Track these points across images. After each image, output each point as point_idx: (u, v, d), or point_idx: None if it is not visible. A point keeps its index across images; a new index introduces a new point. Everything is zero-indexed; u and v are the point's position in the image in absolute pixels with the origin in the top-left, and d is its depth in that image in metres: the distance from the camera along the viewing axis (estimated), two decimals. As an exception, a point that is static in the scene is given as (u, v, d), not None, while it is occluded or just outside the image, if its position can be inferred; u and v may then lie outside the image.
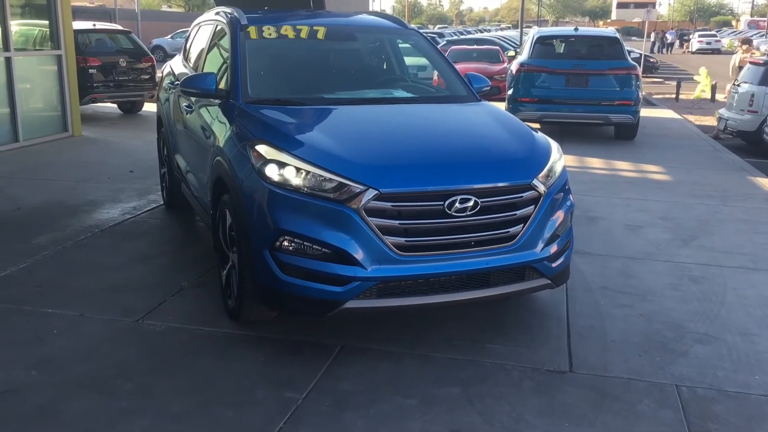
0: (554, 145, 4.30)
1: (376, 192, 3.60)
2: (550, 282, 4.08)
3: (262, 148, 3.87)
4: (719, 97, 18.72)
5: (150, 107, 14.22)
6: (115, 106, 14.15)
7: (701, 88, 20.18)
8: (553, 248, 4.05)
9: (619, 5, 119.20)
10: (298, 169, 3.71)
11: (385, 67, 5.70)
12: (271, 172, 3.75)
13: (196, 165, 5.19)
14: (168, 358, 3.86)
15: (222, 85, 4.71)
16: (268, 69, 4.97)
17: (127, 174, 8.34)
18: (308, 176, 3.68)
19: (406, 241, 3.66)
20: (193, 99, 5.23)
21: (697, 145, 11.64)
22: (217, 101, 4.71)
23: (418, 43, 5.51)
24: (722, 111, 12.61)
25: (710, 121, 15.39)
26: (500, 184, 3.83)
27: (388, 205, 3.63)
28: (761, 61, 12.09)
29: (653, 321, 4.45)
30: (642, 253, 5.77)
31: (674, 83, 21.02)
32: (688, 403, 3.50)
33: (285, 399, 3.46)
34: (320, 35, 5.13)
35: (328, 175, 3.66)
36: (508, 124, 4.42)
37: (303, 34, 5.11)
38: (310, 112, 4.39)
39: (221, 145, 4.37)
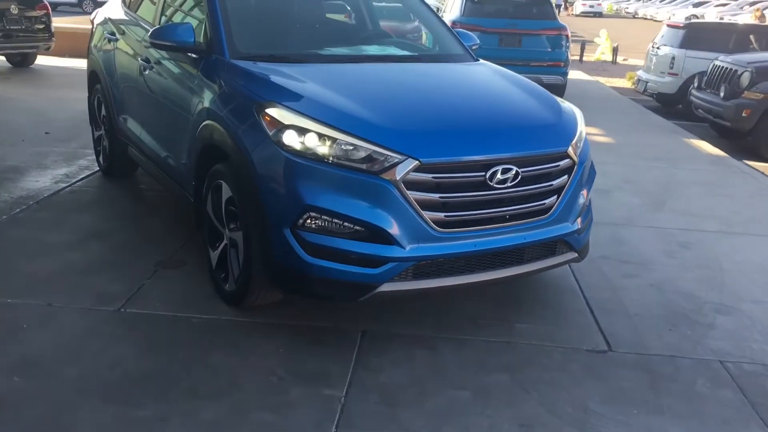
0: (577, 111, 4.04)
1: (417, 162, 3.21)
2: (577, 255, 3.86)
3: (276, 112, 3.37)
4: (622, 59, 19.23)
5: (44, 60, 12.99)
6: (2, 58, 12.75)
7: (602, 50, 20.66)
8: (582, 220, 3.82)
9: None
10: (323, 136, 3.25)
11: (369, 21, 5.22)
12: (291, 139, 3.27)
13: (164, 127, 4.58)
14: (172, 353, 3.35)
15: (200, 39, 4.12)
16: (253, 21, 4.40)
17: (42, 136, 7.44)
18: (337, 144, 3.23)
19: (445, 216, 3.31)
20: (155, 54, 4.60)
21: (621, 107, 11.82)
22: (193, 56, 4.13)
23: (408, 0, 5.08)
24: (641, 73, 12.86)
25: (620, 82, 15.77)
26: (540, 152, 3.54)
27: (428, 176, 3.25)
28: (681, 24, 12.37)
29: (665, 291, 4.34)
30: (622, 219, 5.68)
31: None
32: (740, 380, 3.38)
33: (326, 398, 3.06)
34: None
35: (360, 143, 3.23)
36: (529, 88, 4.11)
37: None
38: (315, 71, 3.90)
39: (210, 107, 3.82)
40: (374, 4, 5.27)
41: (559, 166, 3.60)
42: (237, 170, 3.54)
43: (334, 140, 3.24)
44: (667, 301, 4.20)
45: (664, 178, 7.05)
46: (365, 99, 3.53)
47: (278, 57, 4.03)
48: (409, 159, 3.20)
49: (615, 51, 19.79)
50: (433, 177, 3.26)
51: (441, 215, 3.29)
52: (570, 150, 3.65)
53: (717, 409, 3.14)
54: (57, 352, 3.31)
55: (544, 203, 3.57)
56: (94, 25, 6.21)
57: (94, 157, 6.31)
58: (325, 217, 3.25)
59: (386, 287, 3.30)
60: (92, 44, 6.12)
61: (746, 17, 34.18)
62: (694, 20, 13.88)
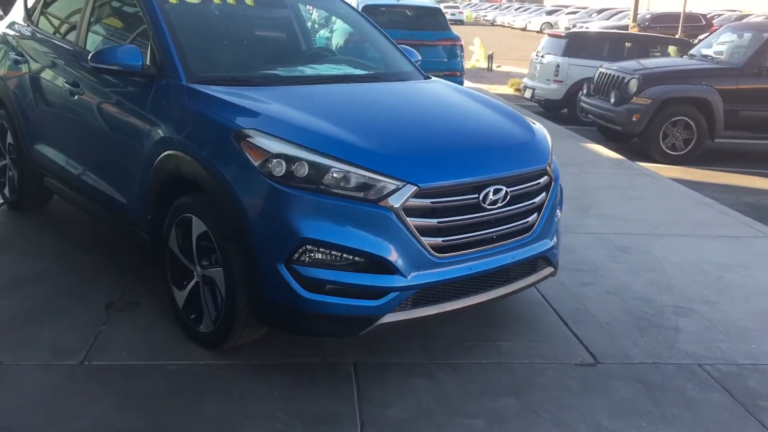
0: (543, 128, 4.08)
1: (415, 188, 3.12)
2: (553, 270, 3.90)
3: (260, 141, 3.18)
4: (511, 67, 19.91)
5: None
6: None
7: (476, 58, 21.32)
8: (556, 235, 3.87)
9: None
10: (315, 165, 3.09)
11: (303, 39, 5.05)
12: (280, 169, 3.09)
13: (103, 158, 4.22)
14: (159, 406, 3.08)
15: (147, 61, 3.82)
16: (201, 41, 4.13)
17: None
18: (331, 172, 3.08)
19: (442, 241, 3.24)
20: (86, 77, 4.24)
21: (513, 113, 12.19)
22: (139, 80, 3.83)
23: (348, 13, 4.96)
24: (526, 80, 13.35)
25: (503, 89, 16.33)
26: (525, 171, 3.54)
27: (426, 201, 3.17)
28: (563, 34, 12.96)
29: (623, 297, 4.47)
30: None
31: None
32: (723, 382, 3.52)
33: (343, 441, 2.91)
34: (249, 1, 4.39)
35: (356, 170, 3.10)
36: (496, 106, 4.11)
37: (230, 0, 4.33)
38: (285, 94, 3.71)
39: (171, 136, 3.56)
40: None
41: (539, 183, 3.62)
42: (215, 204, 3.31)
43: (327, 168, 3.09)
44: (629, 307, 4.33)
45: (580, 184, 7.31)
46: (348, 123, 3.39)
47: (240, 80, 3.82)
48: (408, 185, 3.11)
49: (490, 58, 20.46)
50: (431, 202, 3.18)
51: (438, 240, 3.22)
52: (548, 167, 3.68)
53: (715, 414, 3.25)
54: (29, 416, 2.96)
55: (527, 221, 3.58)
56: (-9, 45, 5.65)
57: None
58: (323, 250, 3.09)
59: (388, 318, 3.18)
60: (-11, 66, 5.55)
61: (596, 24, 36.56)
62: (574, 30, 14.61)
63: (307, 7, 5.15)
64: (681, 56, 11.90)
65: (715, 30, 32.04)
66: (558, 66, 12.33)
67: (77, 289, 4.18)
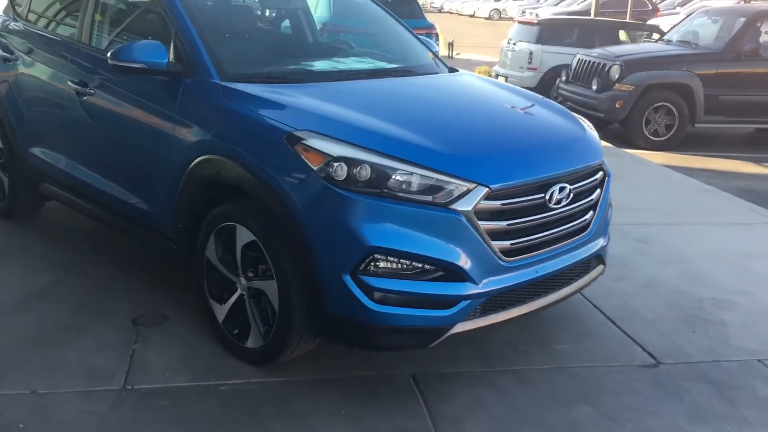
0: (588, 121, 3.95)
1: (487, 189, 2.94)
2: (603, 268, 3.77)
3: (318, 143, 2.95)
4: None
5: None
6: None
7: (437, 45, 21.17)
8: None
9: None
10: (381, 168, 2.88)
11: (310, 32, 4.79)
12: (343, 173, 2.87)
13: (120, 163, 3.91)
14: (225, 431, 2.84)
15: (171, 58, 3.54)
16: (229, 35, 3.87)
17: None
18: (398, 175, 2.88)
19: (510, 244, 3.07)
20: (97, 76, 3.93)
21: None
22: (162, 79, 3.55)
23: (365, 3, 4.72)
24: (497, 68, 13.27)
25: (470, 77, 16.18)
26: (584, 166, 3.39)
27: (497, 203, 2.99)
28: (534, 21, 12.90)
29: (660, 291, 4.39)
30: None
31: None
32: (789, 377, 3.46)
33: (427, 462, 2.73)
34: (271, -7, 4.13)
35: (425, 173, 2.90)
36: (541, 100, 3.96)
37: (251, -9, 4.06)
38: (328, 91, 3.47)
39: (208, 138, 3.30)
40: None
41: (596, 179, 3.48)
42: (266, 211, 3.07)
43: (393, 171, 2.88)
44: (669, 301, 4.24)
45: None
46: (403, 121, 3.18)
47: (274, 77, 3.57)
48: (479, 186, 2.92)
49: (450, 46, 20.35)
50: (501, 204, 3.00)
51: (507, 243, 3.05)
52: (603, 162, 3.55)
53: (792, 412, 3.18)
54: (83, 454, 2.69)
55: (585, 219, 3.44)
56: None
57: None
58: (392, 258, 2.89)
59: (458, 328, 3.01)
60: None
61: (546, 11, 36.79)
62: (545, 17, 14.60)
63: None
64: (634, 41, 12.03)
65: (661, 14, 32.45)
66: (531, 53, 12.28)
67: (94, 303, 3.88)
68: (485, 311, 3.08)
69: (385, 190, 2.87)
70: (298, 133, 2.99)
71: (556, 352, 3.61)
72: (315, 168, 2.91)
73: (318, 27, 4.86)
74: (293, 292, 3.03)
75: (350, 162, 2.88)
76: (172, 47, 3.55)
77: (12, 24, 4.85)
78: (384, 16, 4.70)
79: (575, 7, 37.10)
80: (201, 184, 3.36)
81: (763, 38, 9.68)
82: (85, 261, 4.44)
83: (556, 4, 41.52)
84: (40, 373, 3.19)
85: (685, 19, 11.66)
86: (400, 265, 2.90)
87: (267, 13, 4.37)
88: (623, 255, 4.94)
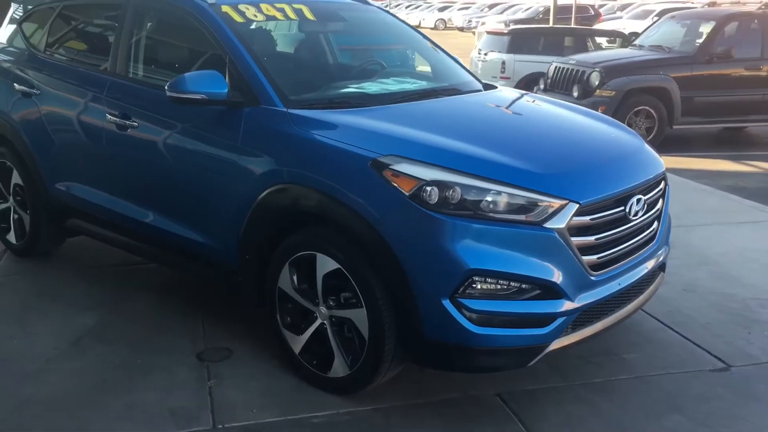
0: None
1: (577, 205, 2.96)
2: (663, 276, 3.83)
3: (406, 168, 2.92)
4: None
5: None
6: None
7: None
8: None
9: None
10: (473, 189, 2.88)
11: (331, 54, 4.74)
12: (436, 197, 2.85)
13: (174, 196, 3.79)
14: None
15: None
16: (282, 61, 3.83)
17: None
18: (491, 196, 2.88)
19: (597, 258, 3.09)
20: (142, 108, 3.83)
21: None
22: (218, 109, 3.48)
23: (396, 24, 4.72)
24: (470, 79, 13.39)
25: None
26: (653, 177, 3.44)
27: (586, 219, 3.01)
28: (505, 31, 13.08)
29: (702, 294, 4.48)
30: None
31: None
32: None
33: (547, 483, 2.72)
34: (308, 14, 4.08)
35: (515, 192, 2.90)
36: (592, 114, 4.02)
37: (290, 14, 4.01)
38: (395, 114, 3.44)
39: (281, 168, 3.25)
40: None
41: (661, 189, 3.54)
42: (354, 238, 3.02)
43: (486, 192, 2.88)
44: (714, 303, 4.33)
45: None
46: (482, 141, 3.18)
47: (337, 102, 3.53)
48: (571, 203, 2.94)
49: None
50: (590, 219, 3.02)
51: (594, 258, 3.07)
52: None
53: None
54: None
55: (653, 229, 3.49)
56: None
57: (-5, 236, 5.13)
58: (490, 280, 2.88)
59: (554, 345, 3.02)
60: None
61: (493, 20, 37.36)
62: (515, 27, 14.82)
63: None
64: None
65: (603, 19, 33.15)
66: (504, 63, 12.46)
67: (152, 341, 3.77)
68: (576, 327, 3.09)
69: (479, 212, 2.87)
70: (384, 159, 2.96)
71: (626, 361, 3.64)
72: (407, 193, 2.88)
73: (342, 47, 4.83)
74: (385, 319, 2.99)
75: (442, 185, 2.87)
76: (227, 76, 3.47)
77: (29, 56, 4.68)
78: (414, 33, 4.70)
79: (521, 15, 37.86)
80: (274, 214, 3.30)
81: (733, 41, 10.00)
82: (126, 298, 4.30)
83: (501, 13, 42.31)
84: (123, 419, 3.08)
85: (652, 24, 11.99)
86: (497, 285, 2.89)
87: (304, 37, 4.32)
88: (654, 260, 5.02)
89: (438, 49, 4.64)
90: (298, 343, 3.35)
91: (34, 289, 4.44)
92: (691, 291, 4.52)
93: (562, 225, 2.91)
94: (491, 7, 46.59)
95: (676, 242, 5.29)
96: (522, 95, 4.21)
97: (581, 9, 34.35)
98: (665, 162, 7.29)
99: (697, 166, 8.96)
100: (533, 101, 4.13)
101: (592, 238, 3.04)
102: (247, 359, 3.59)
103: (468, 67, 4.60)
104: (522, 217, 2.90)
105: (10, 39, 5.01)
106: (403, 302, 2.94)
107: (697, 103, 9.93)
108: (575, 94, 10.03)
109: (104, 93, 4.04)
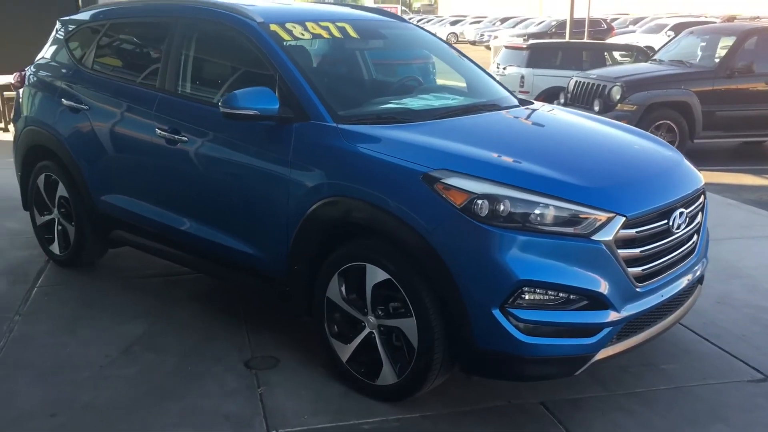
0: (672, 148, 4.10)
1: (624, 218, 3.04)
2: (701, 288, 3.90)
3: (457, 181, 3.02)
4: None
5: None
6: None
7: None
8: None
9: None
10: (523, 202, 2.97)
11: (366, 71, 4.85)
12: (486, 209, 2.95)
13: (225, 209, 3.89)
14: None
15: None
16: (330, 78, 3.94)
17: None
18: (538, 209, 2.97)
19: (642, 270, 3.17)
20: (193, 123, 3.94)
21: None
22: (268, 124, 3.59)
23: (434, 41, 4.83)
24: (489, 93, 13.51)
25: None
26: (694, 190, 3.53)
27: (632, 231, 3.10)
28: (524, 46, 13.20)
29: (736, 306, 4.54)
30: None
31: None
32: None
33: (597, 489, 2.80)
34: (351, 32, 4.20)
35: (563, 205, 2.99)
36: (630, 129, 4.11)
37: (335, 32, 4.13)
38: (441, 129, 3.54)
39: (332, 181, 3.35)
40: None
41: (701, 203, 3.62)
42: (404, 249, 3.12)
43: (536, 205, 2.97)
44: (748, 316, 4.40)
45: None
46: (531, 156, 3.28)
47: (384, 118, 3.64)
48: (618, 216, 3.03)
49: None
50: (636, 232, 3.11)
51: (639, 270, 3.15)
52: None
53: None
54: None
55: (693, 242, 3.57)
56: (24, 92, 5.21)
57: (41, 247, 5.25)
58: (539, 290, 2.97)
59: (600, 355, 3.10)
60: (29, 114, 5.11)
61: (505, 33, 37.52)
62: (533, 41, 14.92)
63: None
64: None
65: (616, 33, 33.16)
66: (523, 77, 12.56)
67: (200, 349, 3.87)
68: (621, 337, 3.17)
69: (528, 224, 2.96)
70: (435, 173, 3.06)
71: (665, 372, 3.71)
72: (458, 206, 2.98)
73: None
74: (435, 328, 3.08)
75: (492, 198, 2.96)
76: (277, 93, 3.58)
77: (75, 72, 4.82)
78: (448, 49, 4.81)
79: (533, 29, 38.00)
80: (324, 226, 3.40)
81: (753, 55, 10.07)
82: (171, 307, 4.41)
83: (514, 27, 42.47)
84: (181, 424, 3.18)
85: (671, 39, 12.06)
86: (546, 296, 2.98)
87: (347, 54, 4.44)
88: (685, 272, 5.09)
89: (473, 65, 4.73)
90: (345, 351, 3.44)
91: (81, 299, 4.55)
92: (725, 303, 4.58)
93: (610, 237, 3.00)
94: (503, 20, 46.80)
95: (711, 256, 5.37)
96: (558, 110, 4.30)
97: (594, 23, 34.45)
98: None
99: (719, 179, 9.00)
100: (570, 116, 4.23)
101: (637, 251, 3.13)
102: (294, 367, 3.68)
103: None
104: (570, 230, 2.98)
105: (54, 55, 5.16)
106: (454, 312, 3.03)
107: (718, 117, 9.99)
108: (596, 108, 10.12)
109: (154, 108, 4.15)
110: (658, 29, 30.27)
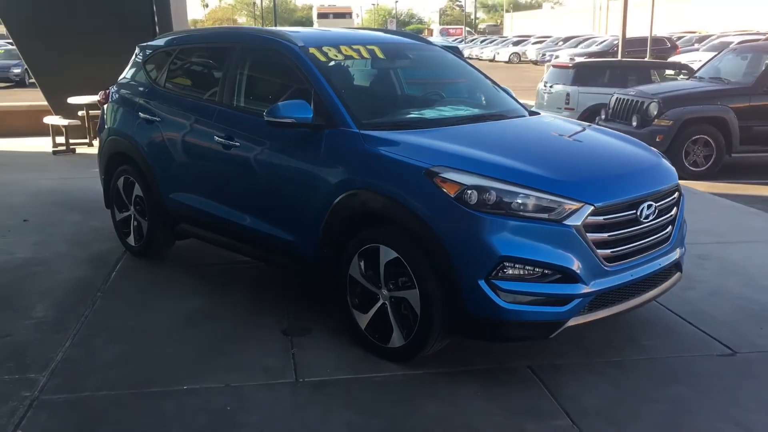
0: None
1: (592, 207, 3.64)
2: (680, 275, 4.42)
3: (452, 175, 3.68)
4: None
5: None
6: None
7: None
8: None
9: (320, 15, 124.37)
10: (506, 192, 3.60)
11: (399, 86, 5.56)
12: (474, 198, 3.60)
13: (268, 202, 4.64)
14: (390, 410, 3.54)
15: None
16: (356, 93, 4.67)
17: (23, 224, 7.05)
18: (519, 198, 3.60)
19: (611, 252, 3.76)
20: (244, 131, 4.71)
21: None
22: (305, 131, 4.31)
23: (455, 60, 5.52)
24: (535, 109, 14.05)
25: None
26: (665, 187, 4.09)
27: (600, 219, 3.69)
28: (570, 65, 13.72)
29: (727, 298, 5.01)
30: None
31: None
32: None
33: (560, 427, 3.40)
34: (379, 54, 4.93)
35: (540, 195, 3.61)
36: (617, 135, 4.69)
37: (364, 54, 4.87)
38: (448, 134, 4.21)
39: (353, 177, 4.05)
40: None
41: (674, 198, 4.17)
42: (410, 232, 3.78)
43: (516, 195, 3.60)
44: (736, 306, 4.87)
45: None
46: (517, 155, 3.91)
47: (400, 125, 4.33)
48: (586, 205, 3.63)
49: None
50: (603, 219, 3.70)
51: (608, 251, 3.74)
52: (678, 184, 4.24)
53: None
54: (288, 426, 3.39)
55: (666, 232, 4.12)
56: (108, 107, 6.11)
57: (119, 240, 6.12)
58: (518, 265, 3.59)
59: (572, 322, 3.68)
60: (112, 126, 6.00)
61: (566, 53, 37.71)
62: (579, 60, 15.41)
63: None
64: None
65: (680, 51, 32.85)
66: (568, 94, 13.07)
67: (249, 320, 4.61)
68: (592, 308, 3.75)
69: (510, 211, 3.59)
70: (435, 169, 3.73)
71: (644, 346, 4.25)
72: (452, 195, 3.64)
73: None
74: (434, 298, 3.73)
75: (481, 189, 3.61)
76: (312, 104, 4.32)
77: (150, 90, 5.69)
78: (470, 69, 5.48)
79: (595, 48, 38.12)
80: (347, 215, 4.10)
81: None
82: (228, 288, 5.20)
83: (576, 46, 42.61)
84: (228, 372, 3.91)
85: (713, 57, 12.38)
86: (524, 270, 3.60)
87: (375, 72, 5.16)
88: (687, 269, 5.47)
89: (491, 82, 5.39)
90: (364, 320, 4.12)
91: (152, 281, 5.38)
92: (718, 295, 5.07)
93: (579, 222, 3.60)
94: (566, 40, 46.97)
95: (712, 255, 5.87)
96: (559, 120, 4.92)
97: (658, 41, 34.42)
98: (723, 188, 7.88)
99: (752, 192, 9.35)
100: (566, 124, 4.84)
101: (605, 235, 3.72)
102: (323, 335, 4.37)
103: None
104: (545, 215, 3.60)
105: (133, 76, 6.05)
106: (449, 283, 3.68)
107: (756, 132, 10.31)
108: (634, 123, 10.58)
109: (213, 119, 4.96)
110: (722, 47, 30.07)
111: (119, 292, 5.17)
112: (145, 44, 6.14)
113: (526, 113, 5.04)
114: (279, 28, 5.10)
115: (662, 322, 4.61)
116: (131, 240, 5.96)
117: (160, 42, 6.01)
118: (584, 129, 4.76)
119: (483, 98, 5.26)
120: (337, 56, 4.72)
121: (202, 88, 5.37)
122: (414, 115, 4.62)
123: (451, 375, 3.89)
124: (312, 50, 4.65)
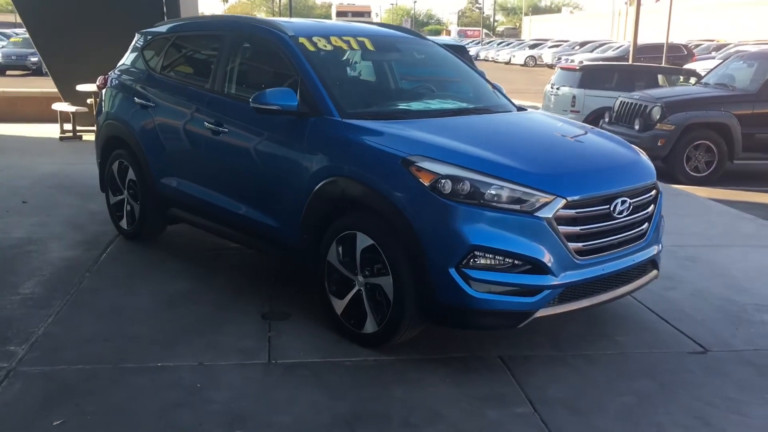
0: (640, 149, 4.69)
1: (564, 200, 3.69)
2: (657, 273, 4.46)
3: (428, 165, 3.74)
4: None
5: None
6: None
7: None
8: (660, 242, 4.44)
9: (339, 14, 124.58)
10: (480, 183, 3.65)
11: (392, 79, 5.62)
12: (449, 188, 3.65)
13: (252, 188, 4.72)
14: (357, 393, 3.60)
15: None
16: (341, 81, 4.73)
17: (22, 206, 7.17)
18: (491, 189, 3.65)
19: (582, 245, 3.80)
20: (233, 117, 4.79)
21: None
22: (290, 118, 4.38)
23: (446, 55, 5.56)
24: (541, 111, 14.07)
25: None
26: (642, 184, 4.12)
27: (572, 212, 3.73)
28: (576, 67, 13.73)
29: (707, 298, 5.03)
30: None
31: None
32: (818, 361, 4.09)
33: (521, 415, 3.45)
34: (369, 46, 4.99)
35: (513, 186, 3.66)
36: (600, 132, 4.73)
37: (354, 45, 4.93)
38: (429, 125, 4.26)
39: (333, 164, 4.11)
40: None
41: (651, 195, 4.21)
42: (384, 220, 3.84)
43: (489, 185, 3.65)
44: (715, 306, 4.89)
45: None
46: (493, 147, 3.96)
47: (383, 115, 4.39)
48: (558, 198, 3.68)
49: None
50: (575, 212, 3.74)
51: (580, 245, 3.78)
52: (656, 181, 4.27)
53: (820, 386, 3.81)
54: (253, 404, 3.45)
55: (642, 229, 4.15)
56: (106, 92, 6.21)
57: (112, 222, 6.22)
58: (488, 255, 3.64)
59: (541, 312, 3.73)
60: (108, 110, 6.10)
61: (581, 57, 37.61)
62: (587, 63, 15.42)
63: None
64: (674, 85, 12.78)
65: (697, 59, 32.70)
66: (574, 97, 13.08)
67: (230, 303, 4.69)
68: (562, 300, 3.80)
69: (482, 201, 3.64)
70: (411, 158, 3.79)
71: (617, 341, 4.29)
72: (426, 184, 3.69)
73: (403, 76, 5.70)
74: (406, 284, 3.79)
75: (455, 179, 3.66)
76: (298, 92, 4.39)
77: (147, 76, 5.78)
78: (461, 64, 5.53)
79: (611, 53, 38.00)
80: (326, 202, 4.16)
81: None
82: (214, 272, 5.28)
83: (592, 51, 42.47)
84: (203, 351, 3.98)
85: (720, 63, 12.35)
86: (494, 260, 3.65)
87: (364, 63, 5.22)
88: (672, 270, 5.61)
89: (482, 78, 5.44)
90: (339, 305, 4.18)
91: (140, 264, 5.47)
92: (698, 296, 5.09)
93: (550, 215, 3.65)
94: (582, 44, 46.80)
95: (700, 257, 5.90)
96: (543, 116, 4.96)
97: (674, 48, 34.26)
98: (723, 194, 7.90)
99: (750, 199, 9.35)
100: (549, 120, 4.88)
101: (577, 228, 3.76)
102: (301, 321, 4.44)
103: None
104: (517, 207, 3.65)
105: (133, 62, 6.14)
106: (421, 271, 3.73)
107: (758, 139, 10.30)
108: (637, 127, 10.59)
109: (204, 106, 5.04)
110: (737, 56, 29.93)
111: (107, 273, 5.26)
112: (145, 30, 6.23)
113: (514, 109, 5.08)
114: (273, 18, 5.11)
115: (639, 319, 4.64)
116: (124, 223, 6.05)
117: (160, 29, 6.10)
118: (567, 125, 4.80)
119: (471, 93, 5.30)
120: (326, 46, 4.78)
121: (195, 74, 5.45)
122: (401, 107, 4.68)
123: (422, 362, 3.95)
124: (302, 40, 4.72)
